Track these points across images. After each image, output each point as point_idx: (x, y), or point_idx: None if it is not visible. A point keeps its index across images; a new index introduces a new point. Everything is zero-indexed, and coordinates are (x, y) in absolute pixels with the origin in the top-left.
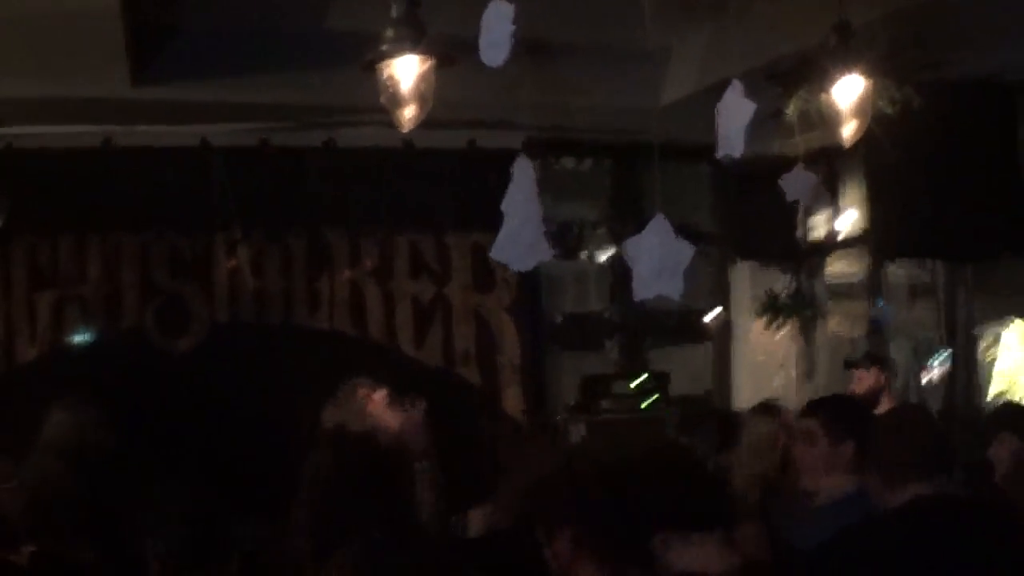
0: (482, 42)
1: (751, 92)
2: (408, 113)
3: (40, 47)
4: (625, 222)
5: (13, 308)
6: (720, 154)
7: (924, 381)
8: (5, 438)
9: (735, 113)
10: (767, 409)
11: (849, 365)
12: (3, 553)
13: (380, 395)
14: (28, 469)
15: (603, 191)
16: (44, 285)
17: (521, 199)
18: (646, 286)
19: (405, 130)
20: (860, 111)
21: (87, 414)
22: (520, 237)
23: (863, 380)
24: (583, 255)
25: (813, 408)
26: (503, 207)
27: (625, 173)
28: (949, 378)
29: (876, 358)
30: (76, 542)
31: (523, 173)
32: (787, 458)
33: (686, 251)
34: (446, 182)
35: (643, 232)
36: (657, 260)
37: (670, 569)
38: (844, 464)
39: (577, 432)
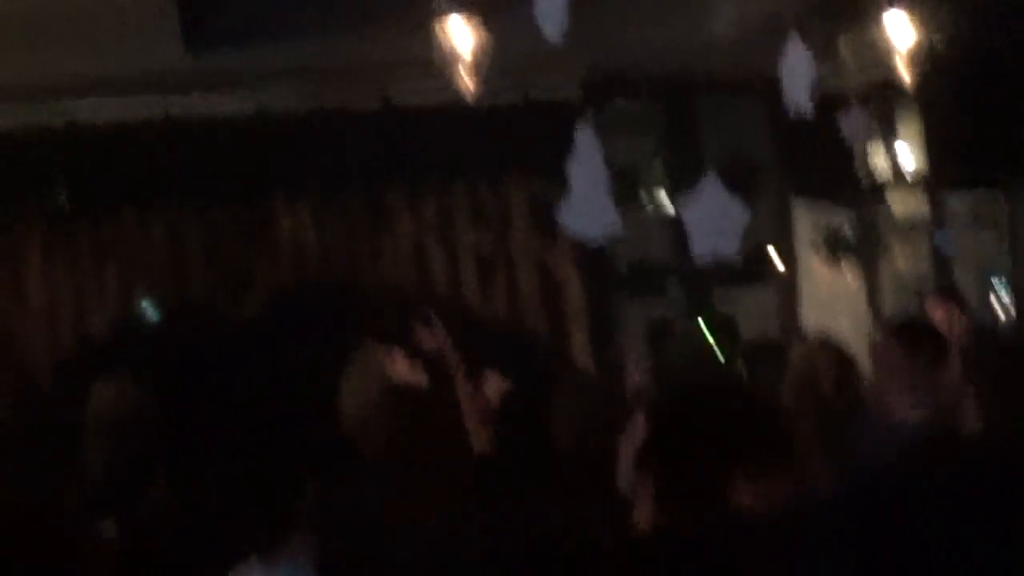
0: None
1: (806, 28)
2: (463, 69)
3: (90, 20)
4: (683, 162)
5: (81, 284)
6: (790, 112)
7: (991, 310)
8: (77, 414)
9: (798, 71)
10: (824, 344)
11: (923, 298)
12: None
13: (397, 355)
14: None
15: (659, 131)
16: (110, 259)
17: (585, 168)
18: (701, 243)
19: (465, 89)
20: (915, 45)
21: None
22: (588, 205)
23: (935, 312)
24: (642, 199)
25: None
26: (568, 174)
27: (680, 112)
28: (1016, 305)
29: (950, 291)
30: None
31: (586, 140)
32: (842, 383)
33: (742, 213)
34: (503, 134)
35: (695, 189)
36: (710, 218)
37: (738, 506)
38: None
39: (644, 377)
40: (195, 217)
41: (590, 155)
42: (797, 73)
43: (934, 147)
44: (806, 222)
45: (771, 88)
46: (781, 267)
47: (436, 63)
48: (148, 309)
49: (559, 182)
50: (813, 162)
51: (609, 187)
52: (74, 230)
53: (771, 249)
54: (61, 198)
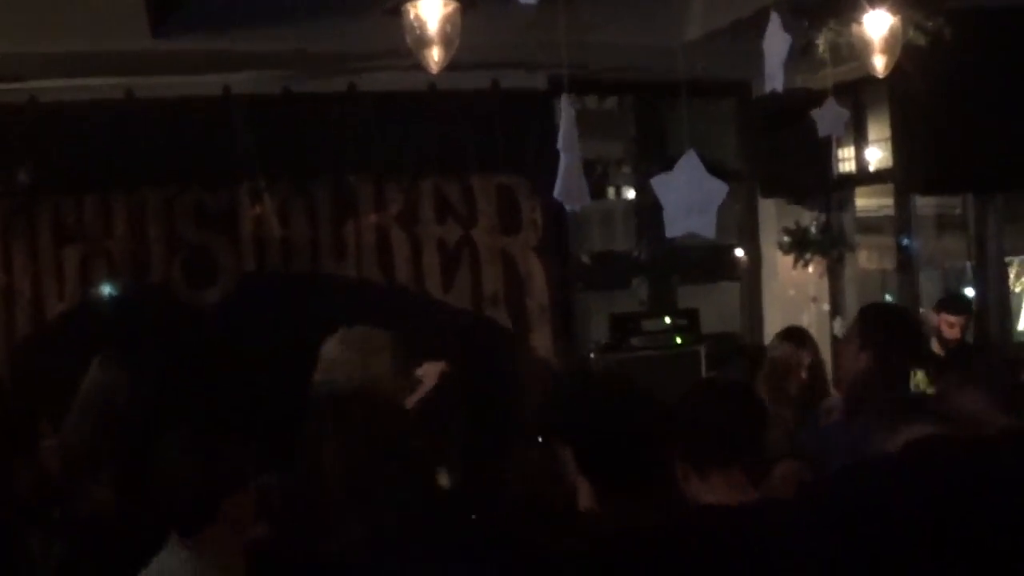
0: None
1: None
2: (435, 54)
3: (60, 1)
4: (650, 160)
5: (40, 265)
6: (766, 89)
7: None
8: (36, 395)
9: (777, 47)
10: (792, 333)
11: (940, 308)
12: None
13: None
14: (66, 428)
15: (628, 130)
16: (70, 241)
17: (567, 140)
18: (676, 223)
19: (434, 72)
20: (892, 42)
21: (129, 373)
22: (568, 178)
23: (955, 326)
24: (609, 194)
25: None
26: (559, 147)
27: (649, 111)
28: (980, 307)
29: (965, 304)
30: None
31: (568, 116)
32: (814, 379)
33: (719, 188)
34: (470, 124)
35: (673, 169)
36: (688, 197)
37: (691, 499)
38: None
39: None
40: (157, 200)
41: (568, 127)
42: (775, 50)
43: (903, 148)
44: (772, 220)
45: (739, 89)
46: (747, 265)
47: (403, 50)
48: (108, 292)
49: (525, 172)
50: (780, 162)
51: (580, 163)
52: (35, 210)
53: (737, 247)
54: (22, 177)
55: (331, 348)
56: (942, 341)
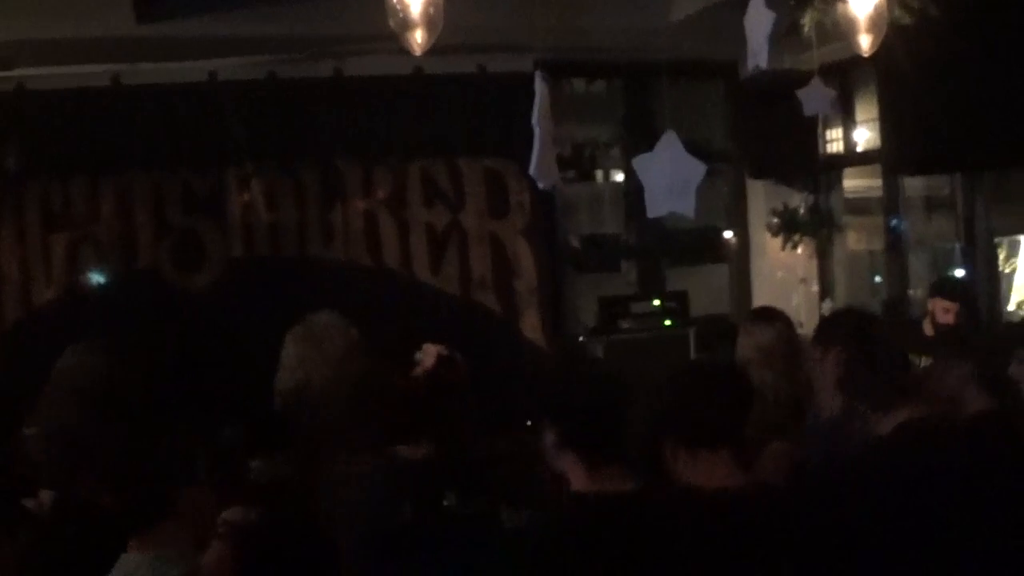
0: None
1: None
2: (419, 37)
3: None
4: (638, 142)
5: (28, 251)
6: (749, 67)
7: None
8: (23, 381)
9: (760, 24)
10: (766, 314)
11: (936, 293)
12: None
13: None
14: (47, 414)
15: (615, 112)
16: (58, 227)
17: (541, 118)
18: (658, 203)
19: (417, 54)
20: (877, 21)
21: (112, 357)
22: (542, 156)
23: (950, 312)
24: (598, 177)
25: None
26: (533, 125)
27: (637, 93)
28: (969, 288)
29: (961, 291)
30: (97, 486)
31: (540, 93)
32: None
33: (697, 168)
34: (457, 108)
35: (654, 149)
36: (668, 177)
37: (678, 479)
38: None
39: (596, 353)
40: (145, 185)
41: (542, 106)
42: (758, 26)
43: (890, 128)
44: (760, 201)
45: (726, 70)
46: (736, 247)
47: (389, 34)
48: (97, 277)
49: (513, 155)
50: (768, 144)
51: (552, 140)
52: (23, 197)
53: (725, 229)
54: (10, 164)
55: (288, 351)
56: (935, 325)
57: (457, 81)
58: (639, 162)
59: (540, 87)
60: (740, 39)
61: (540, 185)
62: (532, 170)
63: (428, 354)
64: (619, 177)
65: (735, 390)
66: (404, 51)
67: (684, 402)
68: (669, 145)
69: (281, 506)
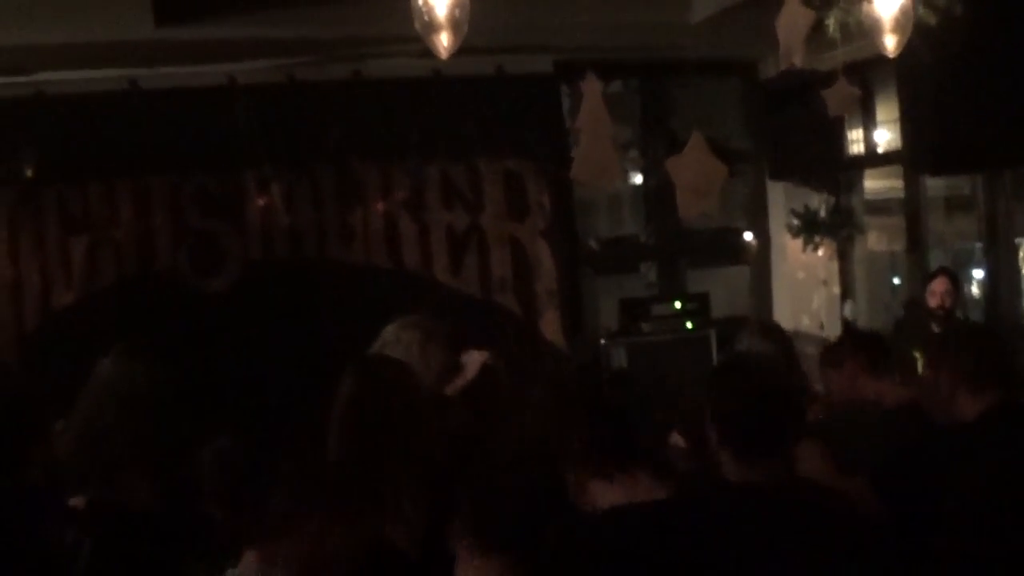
0: None
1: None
2: (444, 40)
3: None
4: (656, 143)
5: (47, 255)
6: (782, 65)
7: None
8: (45, 383)
9: (796, 23)
10: (766, 330)
11: (927, 279)
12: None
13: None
14: (77, 413)
15: (633, 112)
16: (76, 230)
17: (592, 118)
18: (689, 205)
19: (444, 57)
20: (903, 21)
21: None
22: (594, 157)
23: (936, 295)
24: None
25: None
26: (577, 126)
27: (655, 93)
28: (990, 287)
29: (947, 271)
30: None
31: (591, 92)
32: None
33: (720, 169)
34: (475, 110)
35: (683, 151)
36: (696, 178)
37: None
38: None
39: (618, 356)
40: (163, 188)
41: (594, 106)
42: (793, 26)
43: (910, 129)
44: (781, 202)
45: (746, 69)
46: (756, 248)
47: (408, 36)
48: (116, 280)
49: (532, 156)
50: (789, 144)
51: (611, 140)
52: (42, 201)
53: (745, 229)
54: (29, 169)
55: (392, 329)
56: (928, 312)
57: (475, 82)
58: (672, 163)
59: (592, 87)
60: (760, 39)
61: (597, 186)
62: (574, 172)
63: (473, 362)
64: (638, 179)
65: (788, 401)
66: (422, 53)
67: (739, 412)
68: (696, 146)
69: None
